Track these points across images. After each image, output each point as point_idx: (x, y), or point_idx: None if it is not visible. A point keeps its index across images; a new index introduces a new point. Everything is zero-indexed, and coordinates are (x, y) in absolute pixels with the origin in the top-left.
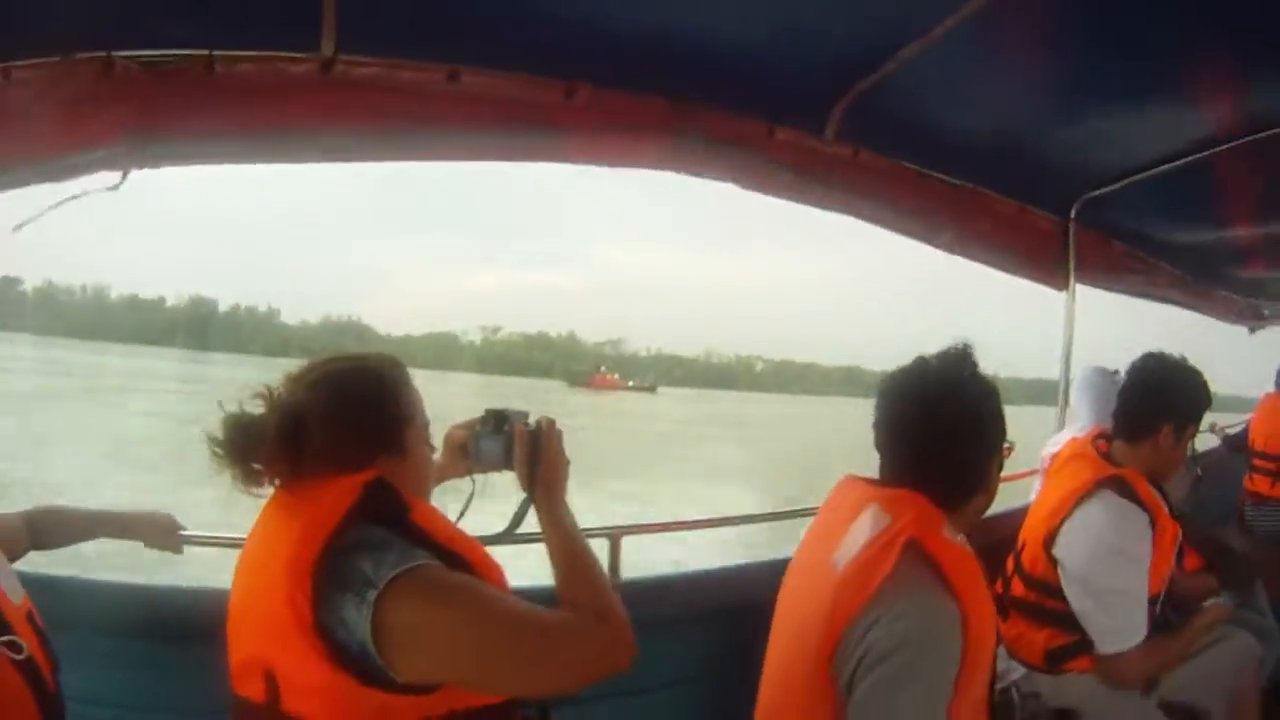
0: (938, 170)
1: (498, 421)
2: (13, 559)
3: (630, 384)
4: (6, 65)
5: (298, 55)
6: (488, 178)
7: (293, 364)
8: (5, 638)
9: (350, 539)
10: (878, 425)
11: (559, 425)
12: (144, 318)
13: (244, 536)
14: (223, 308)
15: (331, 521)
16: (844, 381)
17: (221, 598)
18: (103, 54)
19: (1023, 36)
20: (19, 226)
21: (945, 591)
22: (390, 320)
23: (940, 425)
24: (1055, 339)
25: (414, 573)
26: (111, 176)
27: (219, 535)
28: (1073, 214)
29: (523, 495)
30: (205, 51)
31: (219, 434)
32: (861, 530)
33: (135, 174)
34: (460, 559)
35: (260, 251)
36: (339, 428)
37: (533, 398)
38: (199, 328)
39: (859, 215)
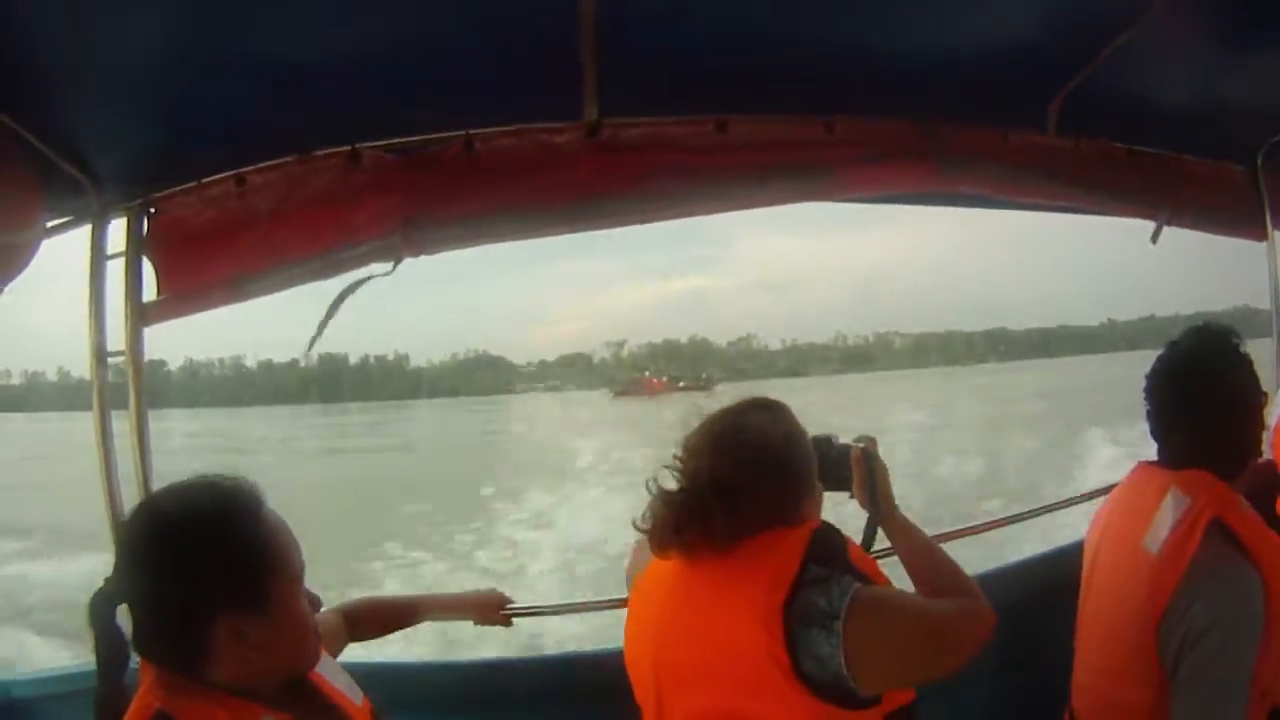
0: (1141, 144)
1: (823, 447)
2: (334, 656)
3: (681, 385)
4: (240, 171)
5: (561, 124)
6: None
7: (422, 404)
8: None
9: (799, 581)
10: (1152, 413)
11: None
12: (279, 380)
13: (563, 605)
14: (352, 360)
15: (791, 571)
16: (989, 346)
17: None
18: (346, 147)
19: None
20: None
21: (1249, 563)
22: (524, 349)
23: (1216, 407)
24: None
25: (860, 597)
26: (383, 266)
27: (542, 605)
28: (1259, 160)
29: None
30: (462, 132)
31: (649, 514)
32: (1166, 513)
33: None
34: (869, 575)
35: (388, 300)
36: (770, 490)
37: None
38: (331, 382)
39: (1082, 206)
